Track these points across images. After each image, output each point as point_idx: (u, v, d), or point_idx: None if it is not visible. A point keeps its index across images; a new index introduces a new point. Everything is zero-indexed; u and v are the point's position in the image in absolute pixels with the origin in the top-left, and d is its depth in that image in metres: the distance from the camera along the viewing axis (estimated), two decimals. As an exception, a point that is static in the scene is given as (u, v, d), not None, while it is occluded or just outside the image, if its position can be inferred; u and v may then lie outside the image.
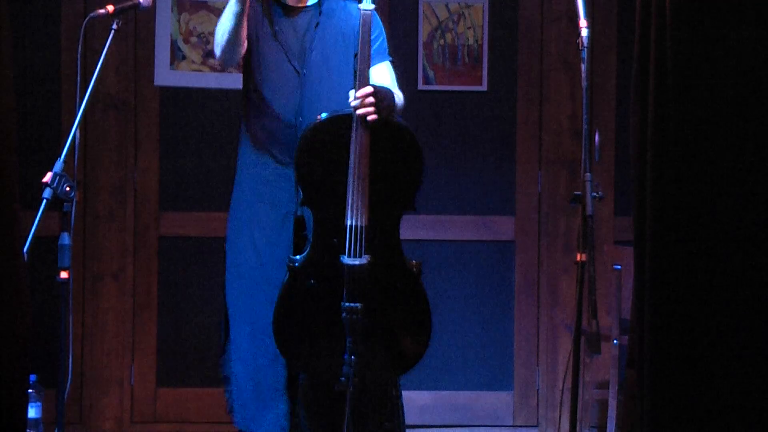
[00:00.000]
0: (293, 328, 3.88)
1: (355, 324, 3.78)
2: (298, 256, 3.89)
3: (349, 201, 3.78)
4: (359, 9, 3.89)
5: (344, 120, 3.81)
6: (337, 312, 3.81)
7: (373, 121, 3.78)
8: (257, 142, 4.08)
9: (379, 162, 3.80)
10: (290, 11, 4.12)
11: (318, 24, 4.08)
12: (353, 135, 3.77)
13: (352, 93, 3.81)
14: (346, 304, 3.78)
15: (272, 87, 4.07)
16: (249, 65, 4.10)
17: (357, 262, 3.77)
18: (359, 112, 3.77)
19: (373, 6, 3.87)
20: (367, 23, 3.82)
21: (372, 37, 3.92)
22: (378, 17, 4.07)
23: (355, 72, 3.94)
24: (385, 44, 4.15)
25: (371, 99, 3.77)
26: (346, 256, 3.77)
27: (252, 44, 4.09)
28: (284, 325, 3.88)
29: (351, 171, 3.77)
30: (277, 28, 4.08)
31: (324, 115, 3.87)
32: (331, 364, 3.85)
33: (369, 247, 3.78)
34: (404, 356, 4.00)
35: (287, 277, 3.87)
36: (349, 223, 3.78)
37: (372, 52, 3.93)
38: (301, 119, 4.01)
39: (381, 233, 3.84)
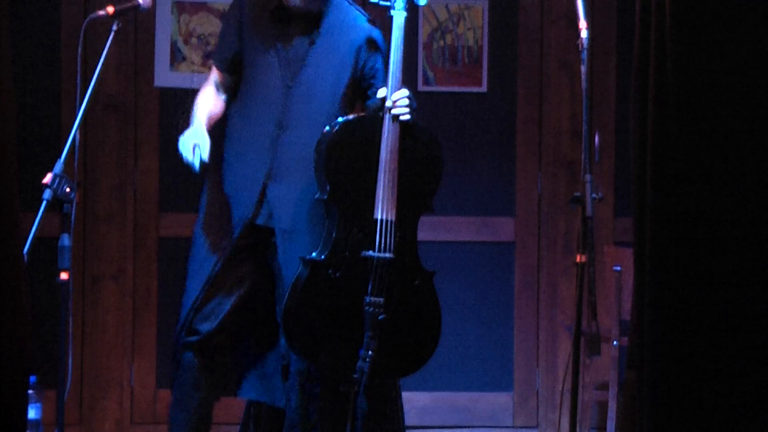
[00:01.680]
0: (310, 324, 3.93)
1: (375, 319, 3.86)
2: (314, 253, 3.95)
3: (379, 195, 3.92)
4: (368, 24, 4.14)
5: (373, 120, 3.97)
6: (354, 307, 3.89)
7: (405, 121, 3.95)
8: (235, 145, 4.14)
9: (404, 161, 3.96)
10: (289, 21, 4.11)
11: (314, 42, 4.10)
12: (385, 132, 3.93)
13: (383, 90, 3.95)
14: (370, 298, 3.88)
15: (259, 94, 4.12)
16: (240, 69, 4.14)
17: (385, 256, 3.89)
18: (395, 111, 3.93)
19: (405, 14, 4.00)
20: (400, 27, 3.99)
21: (377, 64, 4.14)
22: (382, 38, 4.17)
23: (367, 88, 4.13)
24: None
25: (406, 101, 3.94)
26: (375, 250, 3.89)
27: (244, 47, 4.13)
28: (301, 321, 3.93)
29: (382, 166, 3.92)
30: (274, 33, 4.09)
31: (340, 119, 4.01)
32: (344, 360, 3.90)
33: (396, 242, 3.91)
34: (411, 358, 4.05)
35: (307, 271, 3.91)
36: (378, 216, 3.91)
37: (380, 75, 4.13)
38: (281, 131, 4.06)
39: (404, 231, 3.97)
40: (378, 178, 3.92)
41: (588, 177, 3.49)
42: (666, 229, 3.22)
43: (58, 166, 3.60)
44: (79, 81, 3.99)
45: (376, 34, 4.18)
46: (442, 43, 5.60)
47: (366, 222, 3.92)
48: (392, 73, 3.96)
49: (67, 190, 3.58)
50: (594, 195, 3.49)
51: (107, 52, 3.79)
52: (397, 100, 3.93)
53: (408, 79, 5.54)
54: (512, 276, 5.63)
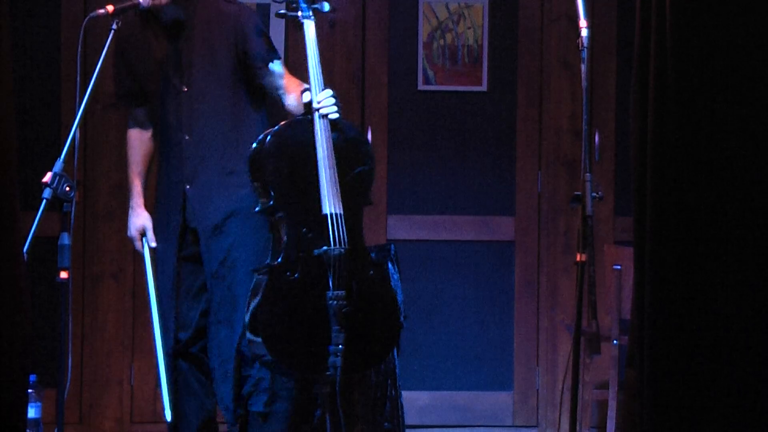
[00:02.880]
0: (278, 329, 3.95)
1: (340, 312, 3.90)
2: (267, 260, 4.03)
3: (325, 191, 3.98)
4: (233, 7, 4.22)
5: (300, 123, 4.07)
6: (317, 305, 3.93)
7: (334, 119, 4.04)
8: (160, 163, 4.30)
9: (338, 156, 4.05)
10: (167, 31, 4.19)
11: (192, 43, 4.18)
12: (317, 131, 4.01)
13: (307, 95, 4.05)
14: (332, 292, 3.92)
15: (162, 106, 4.23)
16: (148, 95, 4.29)
17: (340, 249, 3.95)
18: (323, 111, 4.02)
19: (313, 22, 4.10)
20: (311, 34, 4.08)
21: (254, 41, 4.20)
22: (250, 14, 4.28)
23: (251, 68, 4.19)
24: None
25: (332, 100, 4.04)
26: (330, 245, 3.94)
27: (139, 73, 4.26)
28: (268, 328, 3.94)
29: (321, 163, 3.99)
30: (158, 48, 4.20)
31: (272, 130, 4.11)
32: (315, 359, 3.93)
33: (348, 234, 3.98)
34: (378, 347, 4.10)
35: (265, 278, 3.95)
36: (329, 211, 3.97)
37: (265, 49, 4.21)
38: (188, 137, 4.17)
39: (351, 223, 4.04)
40: (319, 175, 3.99)
41: (588, 176, 3.49)
42: (666, 229, 3.22)
43: (58, 164, 3.60)
44: (78, 80, 3.99)
45: (245, 15, 4.25)
46: (442, 42, 5.60)
47: (313, 220, 3.98)
48: (313, 76, 4.06)
49: (67, 189, 3.58)
50: (594, 194, 3.49)
51: (107, 51, 3.79)
52: (322, 99, 4.03)
53: (408, 78, 5.58)
54: (512, 275, 5.63)
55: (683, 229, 3.19)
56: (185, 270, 4.23)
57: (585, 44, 3.55)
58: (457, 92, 5.62)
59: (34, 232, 3.53)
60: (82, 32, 3.86)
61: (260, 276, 3.97)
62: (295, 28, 4.27)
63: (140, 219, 4.29)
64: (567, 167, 5.57)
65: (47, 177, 3.57)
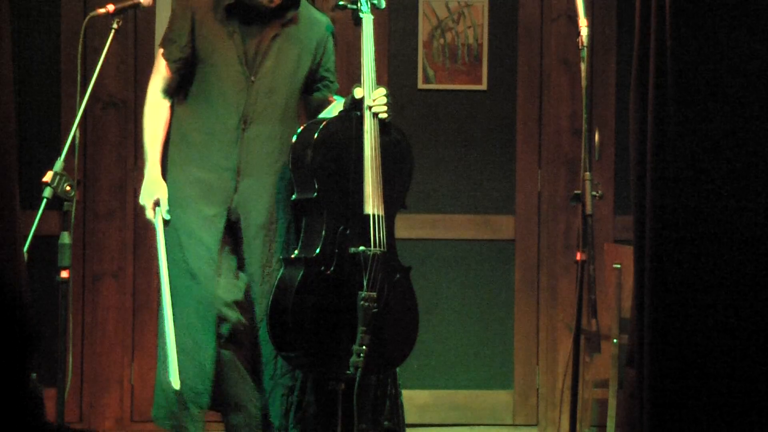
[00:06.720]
0: (304, 322, 3.94)
1: (369, 313, 3.90)
2: (295, 252, 3.99)
3: (368, 191, 3.98)
4: (327, 23, 4.22)
5: (348, 119, 4.04)
6: (346, 303, 3.92)
7: (384, 119, 4.02)
8: (193, 144, 4.13)
9: (382, 158, 4.02)
10: (251, 14, 4.12)
11: (277, 35, 4.13)
12: (367, 129, 4.00)
13: (359, 90, 4.01)
14: (365, 292, 3.91)
15: (219, 88, 4.12)
16: (193, 65, 4.14)
17: (378, 250, 3.95)
18: (375, 110, 4.01)
19: (372, 17, 4.08)
20: (369, 30, 4.06)
21: (332, 60, 4.26)
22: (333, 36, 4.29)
23: (320, 79, 4.24)
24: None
25: (384, 99, 4.02)
26: (370, 245, 3.94)
27: (200, 41, 4.12)
28: (296, 319, 3.93)
29: (367, 163, 3.98)
30: (231, 28, 4.11)
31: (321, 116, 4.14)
32: (337, 356, 3.92)
33: (386, 236, 3.98)
34: (398, 351, 4.10)
35: (301, 269, 3.92)
36: (371, 212, 3.97)
37: (332, 70, 4.27)
38: (246, 126, 4.08)
39: (388, 226, 4.04)
40: (364, 174, 3.98)
41: (588, 175, 3.49)
42: (666, 227, 3.22)
43: (58, 164, 3.59)
44: (78, 79, 3.99)
45: (332, 31, 4.28)
46: (442, 41, 5.60)
47: (352, 218, 3.97)
48: (368, 72, 4.03)
49: (67, 188, 3.58)
50: (594, 193, 3.49)
51: (107, 51, 3.79)
52: (377, 98, 4.01)
53: (408, 77, 5.58)
54: (512, 274, 5.63)
55: (683, 228, 3.19)
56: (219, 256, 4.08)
57: (585, 43, 3.55)
58: (457, 91, 5.62)
59: (35, 231, 3.52)
60: (82, 32, 3.85)
61: (294, 267, 3.95)
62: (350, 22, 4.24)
63: (157, 189, 4.08)
64: (567, 166, 5.57)
65: (47, 176, 3.57)
